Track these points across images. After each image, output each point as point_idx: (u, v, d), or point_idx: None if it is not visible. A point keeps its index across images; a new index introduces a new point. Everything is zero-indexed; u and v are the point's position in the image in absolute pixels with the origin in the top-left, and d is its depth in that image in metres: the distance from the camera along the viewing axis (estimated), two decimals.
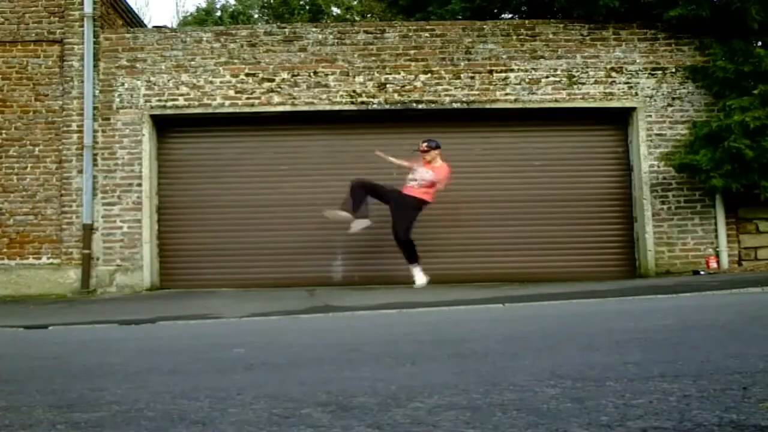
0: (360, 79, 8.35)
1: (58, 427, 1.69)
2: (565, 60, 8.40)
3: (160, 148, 8.53)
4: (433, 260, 7.65)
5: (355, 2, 20.47)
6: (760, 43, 8.47)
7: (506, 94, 8.36)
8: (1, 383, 2.48)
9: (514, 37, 8.45)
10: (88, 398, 2.07)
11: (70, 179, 8.21)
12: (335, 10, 20.57)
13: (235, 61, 8.37)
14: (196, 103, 8.32)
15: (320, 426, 1.60)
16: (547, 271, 8.24)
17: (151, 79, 8.34)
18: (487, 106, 8.37)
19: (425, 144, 7.44)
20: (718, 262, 8.16)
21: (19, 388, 2.33)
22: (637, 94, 8.38)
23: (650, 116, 8.36)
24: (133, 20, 9.82)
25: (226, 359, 2.96)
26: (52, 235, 8.21)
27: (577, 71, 8.39)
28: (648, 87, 8.39)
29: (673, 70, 8.42)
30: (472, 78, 8.36)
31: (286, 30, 8.58)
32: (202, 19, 21.14)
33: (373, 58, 8.39)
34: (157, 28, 9.53)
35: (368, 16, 18.90)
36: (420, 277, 7.28)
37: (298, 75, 8.36)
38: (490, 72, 8.38)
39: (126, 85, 8.34)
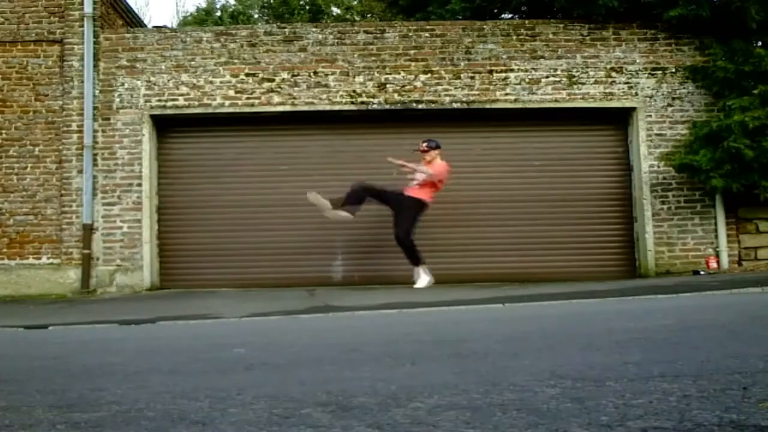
0: (360, 79, 8.35)
1: (58, 427, 1.69)
2: (565, 60, 8.40)
3: (160, 148, 8.53)
4: (434, 260, 7.64)
5: (355, 2, 20.47)
6: (760, 43, 8.47)
7: (506, 94, 8.36)
8: (1, 383, 2.48)
9: (514, 37, 8.45)
10: (88, 398, 2.07)
11: (70, 179, 8.21)
12: (335, 10, 20.58)
13: (235, 61, 8.37)
14: (196, 103, 8.32)
15: (320, 426, 1.60)
16: (547, 271, 8.24)
17: (151, 79, 8.34)
18: (487, 106, 8.37)
19: (425, 144, 7.45)
20: (718, 262, 8.16)
21: (19, 388, 2.33)
22: (637, 94, 8.38)
23: (650, 116, 8.36)
24: (133, 20, 9.82)
25: (226, 359, 2.96)
26: (52, 235, 8.21)
27: (577, 71, 8.39)
28: (648, 87, 8.39)
29: (673, 70, 8.42)
30: (472, 78, 8.36)
31: (286, 30, 8.58)
32: (202, 19, 21.14)
33: (373, 58, 8.39)
34: (157, 28, 9.54)
35: (368, 16, 18.91)
36: (423, 279, 7.27)
37: (298, 75, 8.36)
38: (490, 72, 8.38)
39: (126, 85, 8.34)
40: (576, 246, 8.43)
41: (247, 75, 8.35)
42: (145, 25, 11.51)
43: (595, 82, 8.39)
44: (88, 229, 8.11)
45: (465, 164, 8.21)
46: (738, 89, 7.97)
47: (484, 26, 8.53)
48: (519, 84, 8.37)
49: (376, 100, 8.33)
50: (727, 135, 7.62)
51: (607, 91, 8.39)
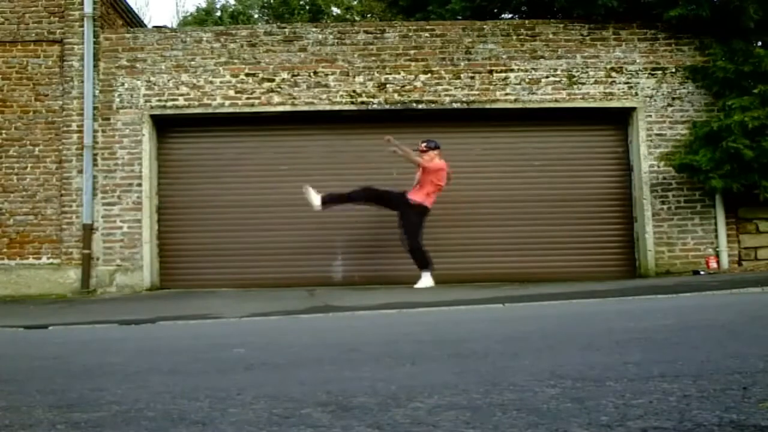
0: (360, 79, 8.35)
1: (58, 427, 1.69)
2: (565, 60, 8.40)
3: (160, 148, 8.53)
4: (434, 260, 7.63)
5: (355, 2, 20.47)
6: (759, 43, 8.47)
7: (506, 94, 8.36)
8: (1, 383, 2.48)
9: (514, 37, 8.45)
10: (88, 398, 2.07)
11: (70, 179, 8.21)
12: (335, 10, 20.58)
13: (235, 61, 8.37)
14: (196, 103, 8.32)
15: (320, 426, 1.60)
16: (547, 271, 8.24)
17: (151, 79, 8.34)
18: (487, 106, 8.37)
19: (424, 144, 7.47)
20: (718, 262, 8.16)
21: (19, 388, 2.33)
22: (637, 94, 8.38)
23: (650, 116, 8.36)
24: (133, 20, 9.82)
25: (226, 359, 2.96)
26: (52, 235, 8.21)
27: (577, 71, 8.39)
28: (648, 87, 8.39)
29: (673, 70, 8.42)
30: (472, 78, 8.36)
31: (286, 30, 8.58)
32: (202, 19, 21.14)
33: (373, 58, 8.39)
34: (157, 28, 9.54)
35: (368, 16, 18.91)
36: (424, 280, 7.28)
37: (298, 75, 8.36)
38: (490, 72, 8.38)
39: (126, 85, 8.34)
40: (576, 246, 8.43)
41: (247, 75, 8.35)
42: (145, 25, 11.51)
43: (595, 82, 8.39)
44: (88, 229, 8.11)
45: (465, 164, 8.21)
46: (738, 89, 7.97)
47: (484, 26, 8.53)
48: (519, 84, 8.37)
49: (376, 100, 8.33)
50: (727, 135, 7.62)
51: (607, 91, 8.39)
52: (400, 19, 10.89)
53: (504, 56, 8.41)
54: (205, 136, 8.63)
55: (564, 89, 8.37)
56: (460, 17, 9.62)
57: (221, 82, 8.34)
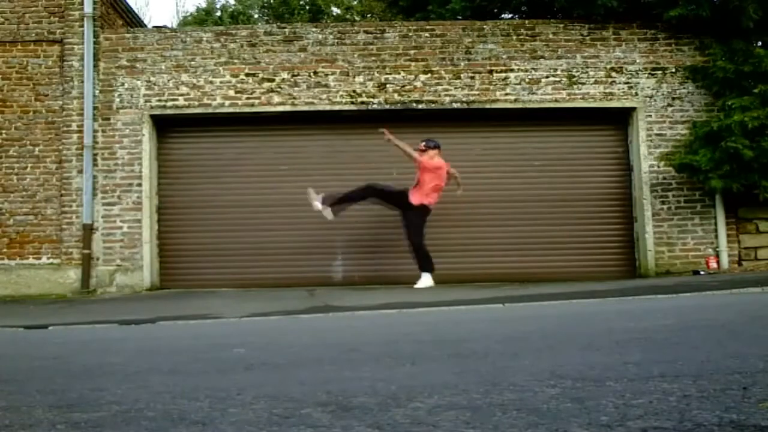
0: (360, 79, 8.35)
1: (58, 427, 1.69)
2: (565, 60, 8.40)
3: (160, 148, 8.53)
4: (434, 260, 7.63)
5: (355, 2, 20.48)
6: (759, 43, 8.47)
7: (506, 94, 8.36)
8: (1, 383, 2.48)
9: (514, 37, 8.45)
10: (88, 398, 2.07)
11: (70, 179, 8.21)
12: (335, 10, 20.58)
13: (235, 61, 8.37)
14: (196, 103, 8.32)
15: (320, 426, 1.60)
16: (547, 271, 8.24)
17: (151, 79, 8.34)
18: (487, 106, 8.37)
19: (423, 144, 7.49)
20: (718, 262, 8.16)
21: (19, 388, 2.33)
22: (637, 94, 8.38)
23: (650, 116, 8.36)
24: (133, 20, 9.82)
25: (226, 359, 2.96)
26: (52, 235, 8.21)
27: (577, 71, 8.40)
28: (648, 87, 8.39)
29: (673, 70, 8.42)
30: (472, 78, 8.37)
31: (286, 30, 8.58)
32: (202, 19, 21.14)
33: (373, 58, 8.39)
34: (157, 28, 9.54)
35: (368, 16, 18.91)
36: (424, 280, 7.29)
37: (298, 75, 8.36)
38: (490, 72, 8.38)
39: (126, 85, 8.34)
40: (576, 246, 8.43)
41: (247, 75, 8.35)
42: (145, 25, 11.51)
43: (595, 82, 8.39)
44: (88, 229, 8.11)
45: (465, 164, 8.20)
46: (738, 89, 7.97)
47: (484, 26, 8.53)
48: (519, 84, 8.37)
49: (376, 100, 8.33)
50: (727, 135, 7.62)
51: (607, 91, 8.39)
52: (400, 19, 10.89)
53: (504, 56, 8.41)
54: (205, 136, 8.63)
55: (564, 89, 8.37)
56: (460, 17, 9.62)
57: (221, 82, 8.34)
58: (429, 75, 8.37)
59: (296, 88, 8.35)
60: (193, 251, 8.45)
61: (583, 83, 8.38)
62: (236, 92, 8.33)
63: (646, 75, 8.41)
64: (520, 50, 8.43)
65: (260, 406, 1.84)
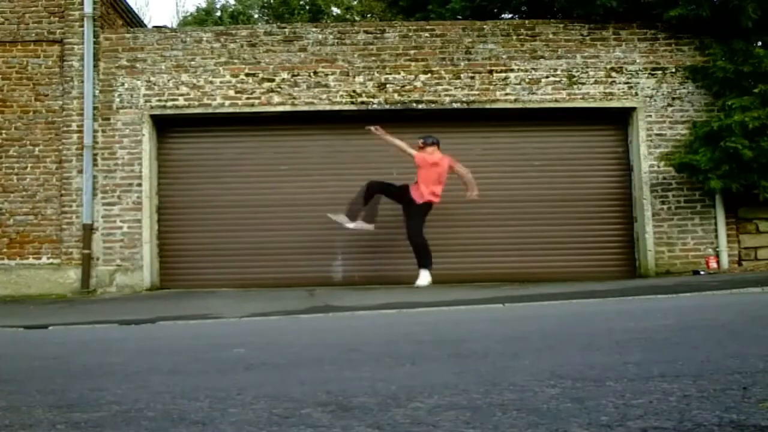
0: (360, 79, 8.35)
1: (58, 427, 1.69)
2: (565, 60, 8.40)
3: (160, 148, 8.53)
4: (434, 260, 7.64)
5: (355, 2, 20.48)
6: (759, 43, 8.47)
7: (506, 94, 8.36)
8: (1, 383, 2.48)
9: (514, 37, 8.45)
10: (88, 398, 2.07)
11: (70, 179, 8.21)
12: (335, 10, 20.58)
13: (235, 61, 8.37)
14: (196, 103, 8.32)
15: (320, 426, 1.60)
16: (547, 271, 8.24)
17: (151, 79, 8.34)
18: (487, 106, 8.37)
19: (421, 141, 7.55)
20: (718, 262, 8.16)
21: (19, 388, 2.33)
22: (637, 94, 8.38)
23: (650, 116, 8.36)
24: (133, 20, 9.82)
25: (226, 359, 2.96)
26: (52, 235, 8.21)
27: (577, 71, 8.39)
28: (648, 87, 8.39)
29: (673, 70, 8.42)
30: (472, 78, 8.37)
31: (286, 30, 8.58)
32: (202, 19, 21.14)
33: (373, 58, 8.39)
34: (157, 28, 9.54)
35: (368, 16, 18.91)
36: (424, 278, 7.31)
37: (298, 75, 8.36)
38: (490, 72, 8.38)
39: (126, 85, 8.34)
40: (576, 246, 8.43)
41: (247, 75, 8.35)
42: (145, 25, 11.51)
43: (595, 82, 8.39)
44: (88, 229, 8.11)
45: (465, 164, 8.17)
46: (738, 89, 7.97)
47: (484, 26, 8.53)
48: (519, 84, 8.37)
49: (376, 100, 8.33)
50: (727, 135, 7.62)
51: (607, 91, 8.39)
52: (400, 19, 10.88)
53: (504, 56, 8.41)
54: (205, 136, 8.63)
55: (564, 89, 8.37)
56: (460, 17, 9.62)
57: (221, 82, 8.34)
58: (429, 75, 8.37)
59: (296, 88, 8.35)
60: (193, 251, 8.45)
61: (583, 83, 8.38)
62: (236, 92, 8.33)
63: (646, 75, 8.41)
64: (520, 50, 8.43)
65: (260, 406, 1.84)
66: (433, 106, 8.35)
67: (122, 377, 2.50)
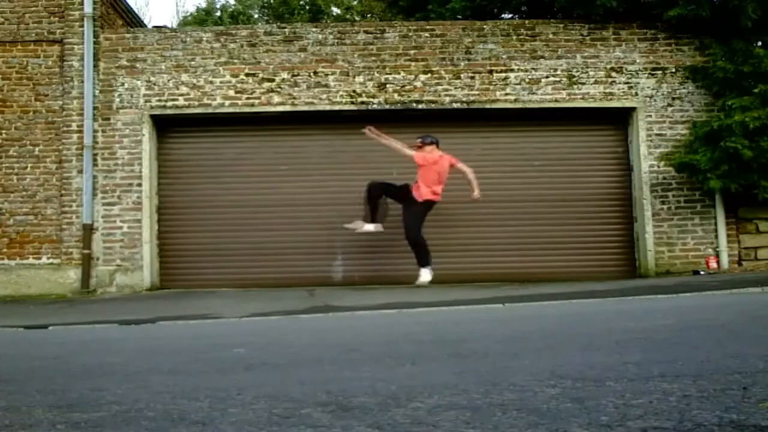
0: (360, 79, 8.35)
1: (58, 427, 1.69)
2: (565, 60, 8.40)
3: (160, 148, 8.53)
4: (434, 260, 7.64)
5: (355, 2, 20.47)
6: (759, 43, 8.47)
7: (506, 94, 8.36)
8: (1, 383, 2.48)
9: (514, 37, 8.45)
10: (88, 398, 2.07)
11: (70, 179, 8.21)
12: (335, 10, 20.58)
13: (235, 61, 8.37)
14: (196, 103, 8.32)
15: (320, 426, 1.60)
16: (547, 271, 8.24)
17: (151, 79, 8.34)
18: (487, 106, 8.37)
19: (419, 140, 7.57)
20: (718, 262, 8.16)
21: (19, 388, 2.33)
22: (637, 94, 8.38)
23: (650, 116, 8.36)
24: (133, 20, 9.82)
25: (226, 359, 2.96)
26: (52, 235, 8.21)
27: (577, 71, 8.39)
28: (648, 87, 8.39)
29: (673, 70, 8.42)
30: (472, 78, 8.36)
31: (286, 30, 8.58)
32: (202, 19, 21.14)
33: (373, 58, 8.39)
34: (157, 28, 9.54)
35: (368, 16, 18.91)
36: (424, 276, 7.33)
37: (298, 75, 8.36)
38: (490, 72, 8.38)
39: (126, 85, 8.34)
40: (576, 246, 8.43)
41: (247, 75, 8.35)
42: (145, 25, 11.51)
43: (595, 82, 8.39)
44: (88, 229, 8.11)
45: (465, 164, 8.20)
46: (738, 89, 7.96)
47: (484, 26, 8.53)
48: (519, 84, 8.37)
49: (376, 100, 8.33)
50: (728, 135, 7.62)
51: (607, 91, 8.39)
52: (400, 19, 10.88)
53: (504, 56, 8.41)
54: (205, 136, 8.63)
55: (564, 89, 8.37)
56: (460, 17, 9.62)
57: (221, 82, 8.34)
58: (429, 75, 8.37)
59: (296, 88, 8.35)
60: (193, 251, 8.45)
61: (583, 83, 8.38)
62: (236, 92, 8.33)
63: (646, 75, 8.41)
64: (520, 50, 8.43)
65: (260, 406, 1.84)
66: (433, 106, 8.35)
67: (122, 377, 2.50)
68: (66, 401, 2.03)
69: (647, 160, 8.30)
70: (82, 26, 8.30)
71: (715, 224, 8.22)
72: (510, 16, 10.48)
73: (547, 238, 8.42)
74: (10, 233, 8.21)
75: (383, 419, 1.64)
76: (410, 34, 8.46)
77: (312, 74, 8.36)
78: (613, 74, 8.40)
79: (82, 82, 8.23)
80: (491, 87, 8.36)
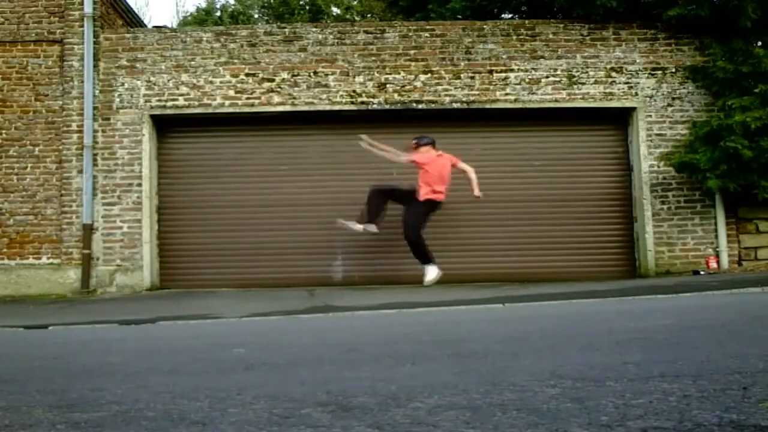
0: (360, 79, 8.35)
1: (58, 427, 1.69)
2: (565, 60, 8.40)
3: (160, 148, 8.53)
4: (435, 260, 7.63)
5: (355, 2, 20.47)
6: (759, 43, 8.46)
7: (506, 94, 8.36)
8: (1, 383, 2.48)
9: (514, 37, 8.45)
10: (88, 398, 2.07)
11: (70, 179, 8.21)
12: (335, 10, 20.57)
13: (235, 61, 8.37)
14: (196, 103, 8.32)
15: (320, 426, 1.60)
16: (547, 271, 8.24)
17: (151, 79, 8.34)
18: (487, 106, 8.37)
19: (414, 142, 7.59)
20: (718, 262, 8.16)
21: (19, 388, 2.33)
22: (637, 94, 8.38)
23: (650, 116, 8.36)
24: (133, 20, 9.82)
25: (226, 359, 2.96)
26: (52, 235, 8.21)
27: (577, 71, 8.39)
28: (648, 87, 8.39)
29: (673, 70, 8.42)
30: (472, 78, 8.36)
31: (286, 30, 8.58)
32: (202, 19, 21.13)
33: (373, 58, 8.39)
34: (157, 28, 9.53)
35: (368, 16, 18.91)
36: (431, 274, 7.33)
37: (298, 75, 8.36)
38: (490, 72, 8.38)
39: (126, 85, 8.34)
40: (576, 246, 8.43)
41: (247, 75, 8.35)
42: (145, 25, 11.51)
43: (595, 82, 8.39)
44: (88, 229, 8.11)
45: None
46: (738, 89, 7.96)
47: (484, 26, 8.53)
48: (519, 84, 8.37)
49: (376, 100, 8.33)
50: (728, 135, 7.62)
51: (607, 91, 8.39)
52: (400, 19, 10.88)
53: (504, 56, 8.41)
54: (205, 136, 8.63)
55: (564, 89, 8.37)
56: (460, 17, 9.62)
57: (221, 82, 8.34)
58: (429, 75, 8.37)
59: (296, 88, 8.35)
60: (193, 251, 8.45)
61: (583, 83, 8.38)
62: (236, 92, 8.33)
63: (646, 75, 8.41)
64: (520, 50, 8.43)
65: (260, 406, 1.84)
66: (433, 106, 8.35)
67: (122, 377, 2.50)
68: (66, 401, 2.03)
69: (647, 160, 8.30)
70: (82, 26, 8.30)
71: (715, 224, 8.22)
72: (510, 16, 10.48)
73: (547, 238, 8.42)
74: (10, 233, 8.21)
75: (383, 419, 1.64)
76: (410, 34, 8.46)
77: (312, 74, 8.36)
78: (613, 74, 8.40)
79: (82, 82, 8.23)
80: (491, 87, 8.36)
